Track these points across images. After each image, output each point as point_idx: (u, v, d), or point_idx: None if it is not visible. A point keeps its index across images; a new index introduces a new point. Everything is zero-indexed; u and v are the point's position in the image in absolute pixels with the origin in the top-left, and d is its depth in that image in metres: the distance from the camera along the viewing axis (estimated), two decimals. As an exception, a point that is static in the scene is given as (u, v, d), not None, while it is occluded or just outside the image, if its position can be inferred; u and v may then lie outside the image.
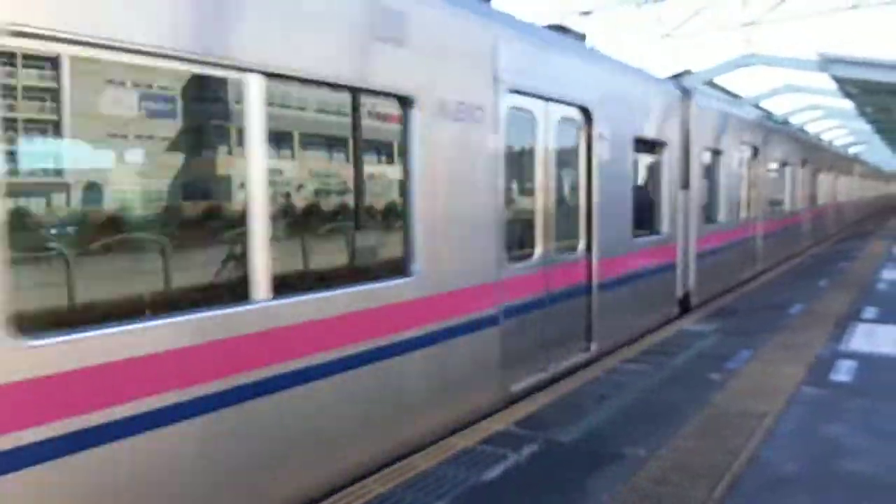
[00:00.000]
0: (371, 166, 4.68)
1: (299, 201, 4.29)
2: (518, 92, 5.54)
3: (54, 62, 3.11)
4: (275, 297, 3.59)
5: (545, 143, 6.07)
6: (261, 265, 3.53)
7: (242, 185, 3.56)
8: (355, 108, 4.35)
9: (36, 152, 3.29)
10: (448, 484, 4.03)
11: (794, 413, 5.21)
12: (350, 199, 4.50)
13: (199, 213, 3.87)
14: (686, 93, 9.43)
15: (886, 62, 22.99)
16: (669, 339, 7.80)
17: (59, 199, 3.40)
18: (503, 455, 4.46)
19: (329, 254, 4.45)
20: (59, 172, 3.47)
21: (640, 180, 8.59)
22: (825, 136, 44.23)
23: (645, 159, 8.59)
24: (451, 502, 3.82)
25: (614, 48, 18.63)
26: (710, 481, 4.02)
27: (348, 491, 3.93)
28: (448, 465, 4.30)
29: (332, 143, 4.58)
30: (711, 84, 27.57)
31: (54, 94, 3.15)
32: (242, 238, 3.54)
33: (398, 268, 4.46)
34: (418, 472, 4.19)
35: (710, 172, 10.56)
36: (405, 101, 4.48)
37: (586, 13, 20.37)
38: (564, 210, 6.42)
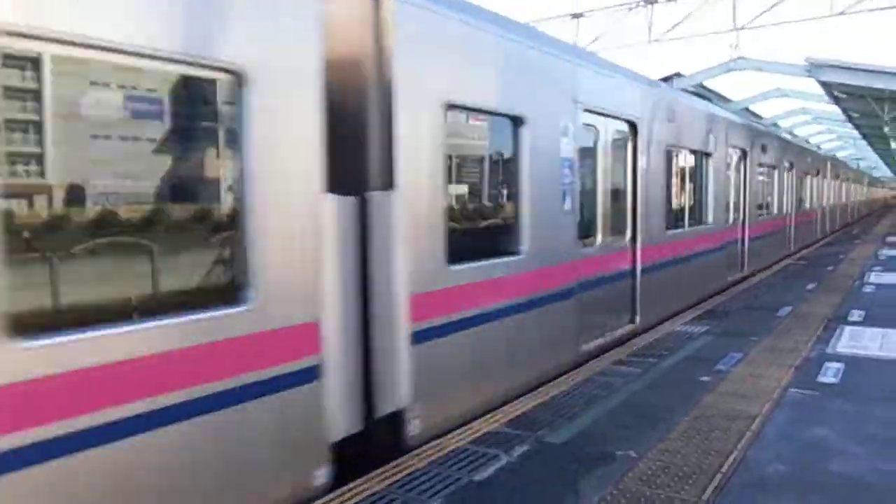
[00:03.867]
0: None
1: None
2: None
3: None
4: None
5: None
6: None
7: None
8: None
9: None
10: (441, 484, 4.07)
11: (781, 415, 5.28)
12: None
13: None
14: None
15: (871, 67, 23.23)
16: (660, 340, 7.86)
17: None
18: (495, 455, 4.50)
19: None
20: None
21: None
22: (813, 140, 44.60)
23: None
24: (443, 502, 3.86)
25: (606, 53, 18.72)
26: (700, 482, 4.08)
27: (344, 489, 3.96)
28: (440, 465, 4.34)
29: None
30: (702, 87, 27.77)
31: None
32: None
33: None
34: (411, 471, 4.23)
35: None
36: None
37: (577, 16, 20.50)
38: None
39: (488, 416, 5.24)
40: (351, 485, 4.01)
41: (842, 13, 17.12)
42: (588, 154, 7.11)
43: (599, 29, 20.31)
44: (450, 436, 4.81)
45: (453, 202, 5.48)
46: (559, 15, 20.56)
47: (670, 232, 9.19)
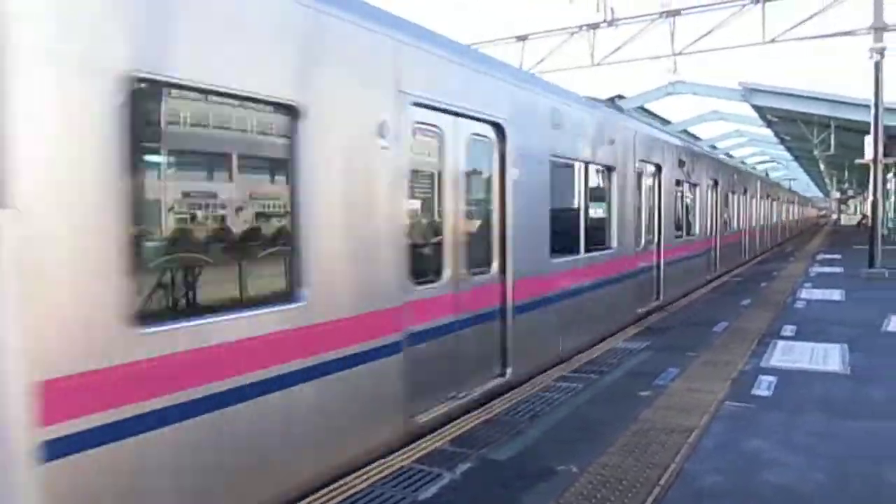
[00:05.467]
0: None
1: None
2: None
3: None
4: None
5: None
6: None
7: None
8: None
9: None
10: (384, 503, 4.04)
11: (717, 428, 5.43)
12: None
13: None
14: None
15: (801, 93, 24.31)
16: (601, 356, 8.00)
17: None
18: (438, 474, 4.49)
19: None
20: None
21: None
22: (749, 161, 46.21)
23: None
24: (386, 522, 3.82)
25: (551, 75, 19.09)
26: (639, 495, 4.15)
27: (282, 513, 3.88)
28: (384, 484, 4.30)
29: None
30: (643, 109, 28.61)
31: None
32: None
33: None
34: (354, 491, 4.18)
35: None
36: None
37: (522, 38, 20.89)
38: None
39: (433, 434, 5.23)
40: (291, 507, 3.94)
41: (773, 41, 17.92)
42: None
43: (543, 52, 20.74)
44: (393, 455, 4.79)
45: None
46: (504, 38, 20.95)
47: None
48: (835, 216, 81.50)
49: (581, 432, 5.33)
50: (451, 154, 5.83)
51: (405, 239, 5.09)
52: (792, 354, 8.06)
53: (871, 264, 17.24)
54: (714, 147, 38.87)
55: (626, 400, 6.20)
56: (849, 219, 76.76)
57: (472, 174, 6.22)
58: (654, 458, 4.75)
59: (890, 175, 35.68)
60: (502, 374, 6.51)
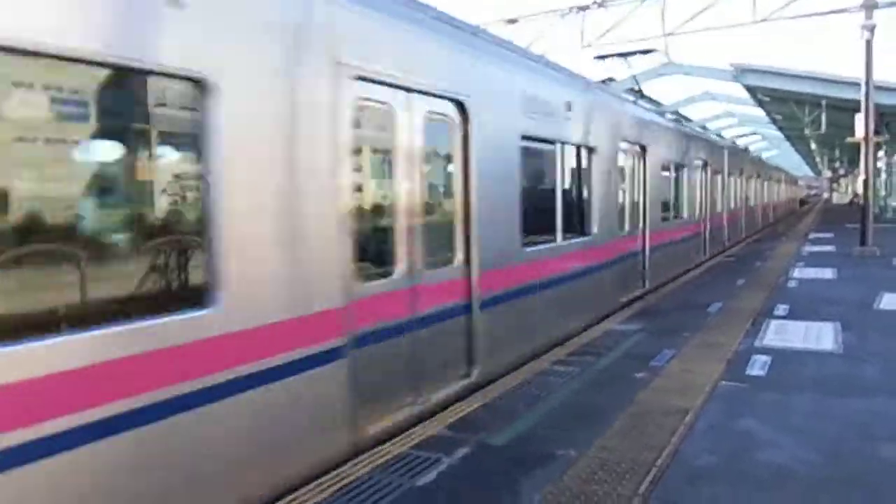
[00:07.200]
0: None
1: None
2: None
3: None
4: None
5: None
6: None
7: None
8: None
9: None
10: (383, 490, 4.06)
11: (712, 408, 5.47)
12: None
13: None
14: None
15: (792, 72, 24.31)
16: (597, 340, 8.03)
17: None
18: (437, 459, 4.51)
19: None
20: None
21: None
22: (741, 142, 46.19)
23: None
24: (386, 509, 3.85)
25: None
26: (636, 477, 4.19)
27: (287, 500, 3.91)
28: (382, 471, 4.33)
29: None
30: (634, 91, 28.52)
31: None
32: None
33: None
34: (353, 478, 4.20)
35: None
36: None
37: (512, 21, 20.79)
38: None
39: (431, 419, 5.25)
40: (290, 497, 3.97)
41: (764, 20, 17.87)
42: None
43: (533, 34, 20.64)
44: (392, 441, 4.81)
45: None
46: (494, 20, 20.83)
47: None
48: (826, 195, 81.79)
49: (578, 416, 5.36)
50: (625, 164, 10.60)
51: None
52: (785, 334, 8.12)
53: (863, 242, 17.34)
54: (705, 128, 38.86)
55: (623, 382, 6.24)
56: (840, 197, 77.07)
57: (634, 174, 11.20)
58: (650, 439, 4.79)
59: (881, 153, 35.79)
60: (643, 286, 11.40)
